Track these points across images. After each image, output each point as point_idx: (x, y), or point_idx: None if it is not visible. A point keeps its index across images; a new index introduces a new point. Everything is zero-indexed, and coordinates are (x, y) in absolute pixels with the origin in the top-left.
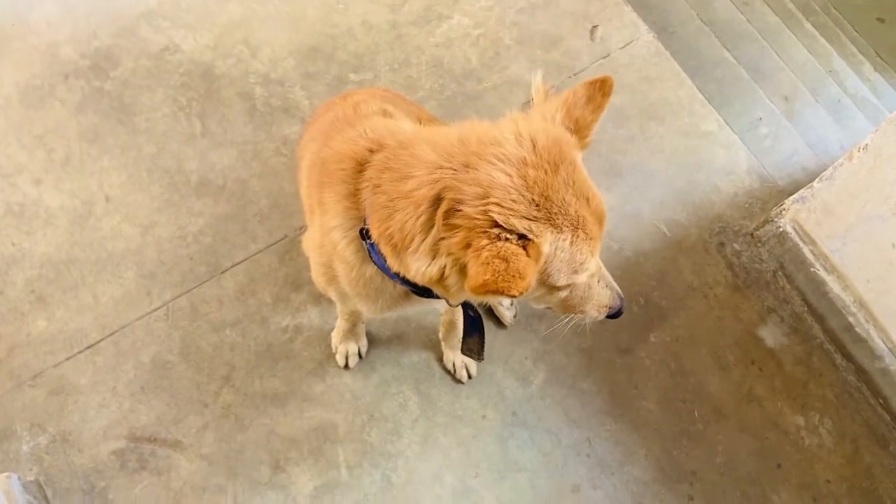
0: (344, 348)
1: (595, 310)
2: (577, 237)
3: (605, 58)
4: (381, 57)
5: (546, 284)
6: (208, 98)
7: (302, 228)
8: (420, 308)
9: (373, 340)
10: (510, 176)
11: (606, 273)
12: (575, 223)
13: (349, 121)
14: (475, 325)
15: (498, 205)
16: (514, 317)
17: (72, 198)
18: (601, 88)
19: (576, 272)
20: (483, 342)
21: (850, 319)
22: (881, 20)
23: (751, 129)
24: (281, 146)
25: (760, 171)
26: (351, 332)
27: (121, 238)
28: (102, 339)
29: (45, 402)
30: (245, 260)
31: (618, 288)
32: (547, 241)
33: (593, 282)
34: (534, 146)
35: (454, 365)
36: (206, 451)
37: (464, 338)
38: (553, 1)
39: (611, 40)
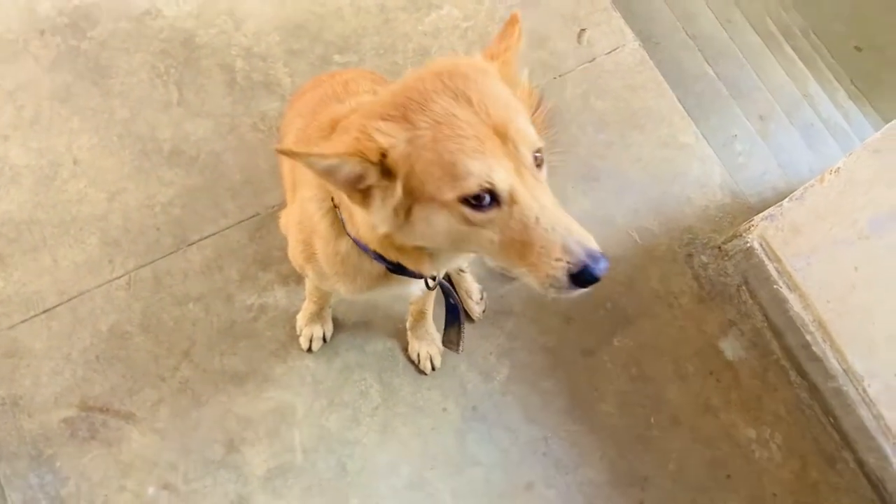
0: (309, 331)
1: (546, 263)
2: (449, 133)
3: (590, 61)
4: (368, 41)
5: (433, 199)
6: (187, 67)
7: (275, 207)
8: (398, 290)
9: (338, 325)
10: (392, 93)
11: (565, 218)
12: (440, 120)
13: (338, 97)
14: (455, 314)
15: (361, 113)
16: (483, 311)
17: (38, 157)
18: (512, 21)
19: (456, 178)
20: (462, 334)
21: (808, 338)
22: (858, 49)
23: (726, 145)
24: (259, 122)
25: (732, 187)
26: (317, 316)
27: (86, 202)
28: (60, 304)
29: None
30: (213, 234)
31: (585, 238)
32: (381, 129)
33: (524, 215)
34: (431, 69)
35: (419, 355)
36: (159, 426)
37: (445, 328)
38: (544, 0)
39: (597, 45)
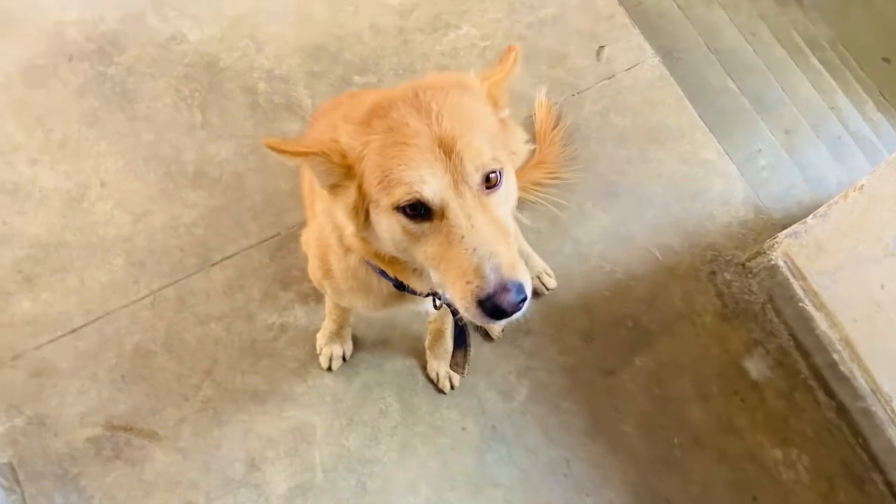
0: (328, 350)
1: (458, 285)
2: (394, 140)
3: (609, 78)
4: (387, 61)
5: (378, 203)
6: (211, 90)
7: (295, 227)
8: (412, 308)
9: (358, 344)
10: (371, 99)
11: (495, 243)
12: (392, 126)
13: None
14: (462, 337)
15: (343, 117)
16: (502, 331)
17: (66, 180)
18: (509, 51)
19: (389, 185)
20: (468, 357)
21: (835, 357)
22: (887, 60)
23: (749, 161)
24: (276, 154)
25: (756, 203)
26: (337, 335)
27: (112, 224)
28: (86, 324)
29: (23, 383)
30: (235, 254)
31: (508, 268)
32: (345, 132)
33: (451, 231)
34: (418, 81)
35: (438, 374)
36: (182, 445)
37: (453, 351)
38: (562, 18)
39: (616, 61)
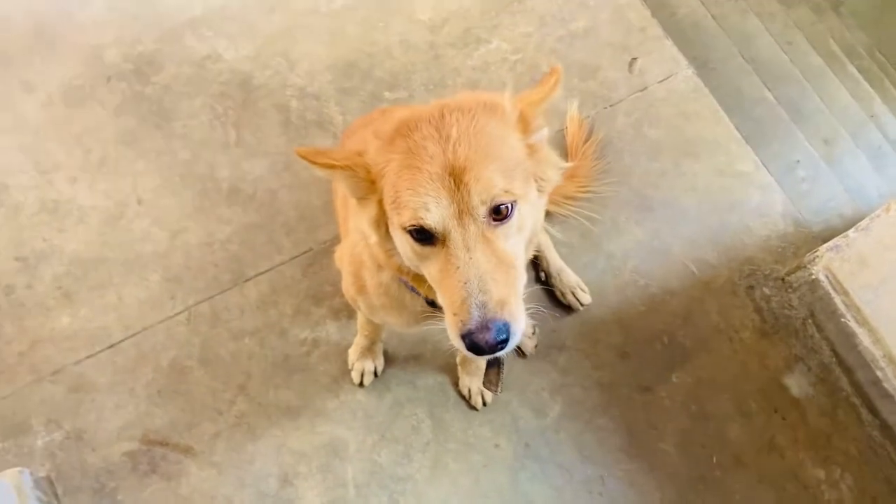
0: (360, 365)
1: (448, 314)
2: (410, 163)
3: (642, 90)
4: (418, 76)
5: (388, 214)
6: (245, 108)
7: (327, 242)
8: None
9: (389, 360)
10: (401, 116)
11: (488, 279)
12: (412, 149)
13: None
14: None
15: (373, 132)
16: (536, 346)
17: (105, 198)
18: (552, 73)
19: (398, 207)
20: (501, 375)
21: (879, 374)
22: None
23: (788, 172)
24: (308, 165)
25: (795, 215)
26: (368, 350)
27: (149, 241)
28: (124, 340)
29: (63, 398)
30: (269, 270)
31: (494, 306)
32: (372, 147)
33: (448, 260)
34: (448, 100)
35: (470, 391)
36: (216, 459)
37: (486, 368)
38: (593, 31)
39: (649, 73)
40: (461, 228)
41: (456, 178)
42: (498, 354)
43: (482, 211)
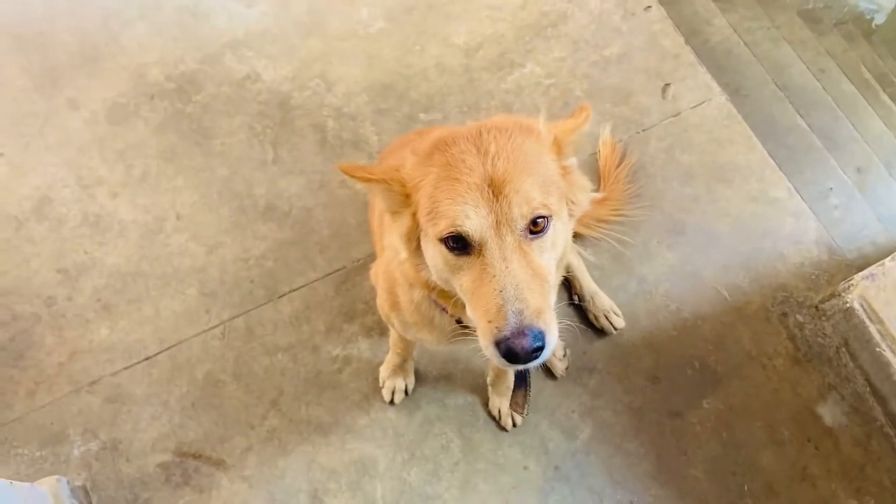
0: (391, 383)
1: (482, 322)
2: (448, 175)
3: (675, 116)
4: (452, 99)
5: (427, 232)
6: (283, 127)
7: (360, 260)
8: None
9: (420, 378)
10: (438, 134)
11: (525, 288)
12: (450, 162)
13: None
14: (522, 377)
15: (411, 149)
16: (566, 369)
17: (145, 213)
18: (582, 109)
19: (435, 217)
20: (528, 398)
21: None
22: None
23: (821, 199)
24: (347, 178)
25: (829, 243)
26: (400, 368)
27: (187, 255)
28: (160, 352)
29: (99, 408)
30: (303, 287)
31: (532, 313)
32: (408, 162)
33: (485, 269)
34: (485, 121)
35: (500, 412)
36: (247, 473)
37: (513, 390)
38: (626, 57)
39: (682, 99)
40: (498, 239)
41: (495, 190)
42: (531, 365)
43: (521, 224)
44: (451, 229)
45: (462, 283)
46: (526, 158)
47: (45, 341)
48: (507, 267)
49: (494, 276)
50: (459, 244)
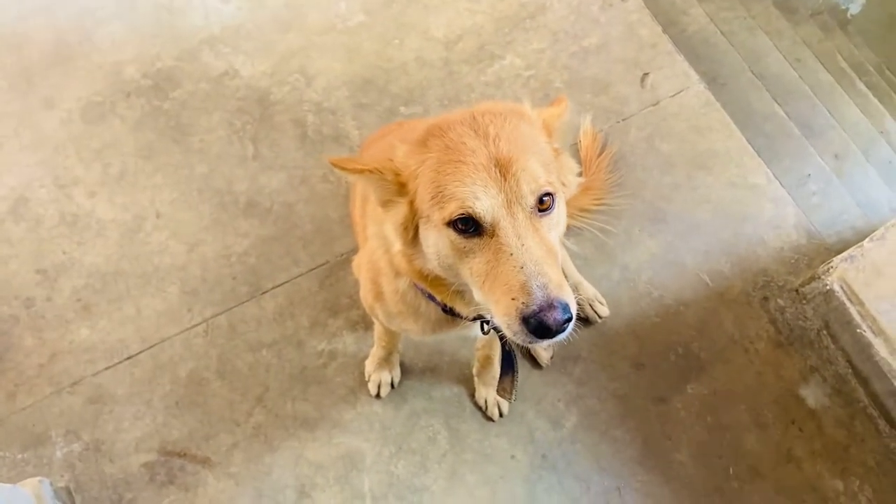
0: (377, 377)
1: (503, 301)
2: (450, 158)
3: (654, 105)
4: (432, 92)
5: (429, 218)
6: (262, 123)
7: (344, 255)
8: (460, 333)
9: (406, 371)
10: (429, 122)
11: (543, 263)
12: (449, 145)
13: None
14: (510, 363)
15: (400, 138)
16: (551, 358)
17: (124, 211)
18: (560, 100)
19: (441, 200)
20: (515, 383)
21: None
22: None
23: (799, 185)
24: (328, 173)
25: (808, 228)
26: (385, 361)
27: (167, 253)
28: (142, 352)
29: (81, 409)
30: (286, 282)
31: (555, 286)
32: (401, 151)
33: (500, 248)
34: (474, 107)
35: (486, 402)
36: (234, 471)
37: (500, 376)
38: (605, 47)
39: (661, 88)
40: (511, 217)
41: (502, 170)
42: (559, 338)
43: (531, 200)
44: (462, 211)
45: (473, 267)
46: (525, 139)
47: (25, 343)
48: (523, 244)
49: (512, 254)
50: (469, 227)
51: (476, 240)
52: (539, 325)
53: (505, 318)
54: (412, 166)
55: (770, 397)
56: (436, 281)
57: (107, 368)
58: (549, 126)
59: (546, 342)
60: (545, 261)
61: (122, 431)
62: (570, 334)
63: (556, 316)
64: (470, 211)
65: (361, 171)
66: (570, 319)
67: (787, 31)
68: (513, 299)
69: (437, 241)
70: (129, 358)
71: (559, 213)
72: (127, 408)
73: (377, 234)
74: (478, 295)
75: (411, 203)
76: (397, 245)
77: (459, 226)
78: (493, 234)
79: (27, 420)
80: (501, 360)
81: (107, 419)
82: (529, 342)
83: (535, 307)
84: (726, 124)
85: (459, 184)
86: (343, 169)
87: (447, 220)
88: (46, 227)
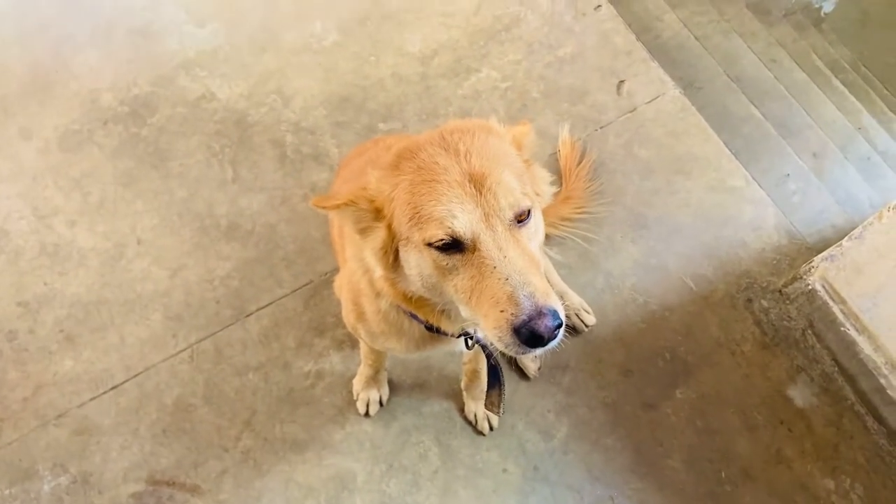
0: (365, 395)
1: (492, 314)
2: (424, 178)
3: (631, 112)
4: (410, 107)
5: (409, 240)
6: (241, 145)
7: (327, 274)
8: (445, 349)
9: (394, 388)
10: (398, 146)
11: (527, 273)
12: (422, 166)
13: None
14: (495, 376)
15: (371, 164)
16: (539, 369)
17: (104, 240)
18: (524, 124)
19: (420, 221)
20: (502, 396)
21: (882, 381)
22: None
23: (779, 186)
24: (309, 192)
25: (788, 228)
26: (373, 379)
27: (150, 280)
28: (127, 381)
29: (67, 441)
30: (270, 304)
31: (541, 294)
32: (374, 177)
33: (483, 262)
34: (441, 127)
35: (476, 416)
36: (223, 497)
37: (487, 391)
38: (580, 56)
39: (637, 95)
40: (490, 231)
41: (476, 185)
42: (551, 346)
43: (509, 213)
44: (441, 231)
45: (457, 284)
46: (496, 153)
47: (8, 376)
48: (506, 256)
49: (495, 266)
50: (449, 244)
51: (458, 256)
52: (531, 334)
53: (495, 331)
54: (386, 191)
55: (758, 399)
56: (420, 302)
57: (92, 399)
58: (518, 140)
59: (538, 350)
60: (529, 270)
61: (109, 462)
62: (559, 343)
63: (546, 323)
64: (449, 230)
65: (339, 206)
66: (560, 325)
67: (761, 33)
68: (501, 311)
69: (418, 262)
70: (114, 388)
71: (537, 223)
72: (114, 438)
73: (356, 256)
74: (465, 311)
75: (389, 227)
76: (378, 271)
77: (439, 244)
78: (474, 249)
79: (13, 455)
80: (487, 374)
81: (94, 450)
82: (522, 352)
83: (524, 317)
84: (703, 128)
85: (436, 203)
86: (323, 208)
87: (427, 241)
88: (27, 258)
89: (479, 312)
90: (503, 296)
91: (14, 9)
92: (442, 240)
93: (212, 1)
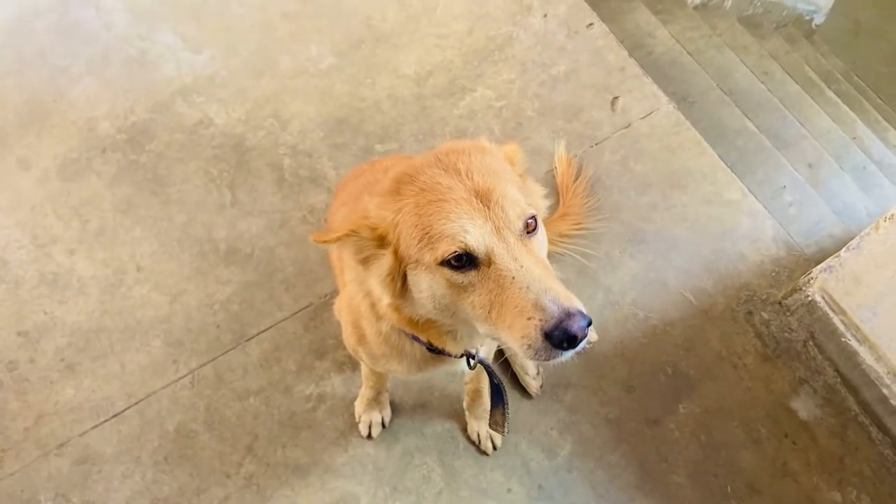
0: (367, 417)
1: (518, 324)
2: (430, 199)
3: (626, 128)
4: (407, 128)
5: (418, 262)
6: (239, 169)
7: (327, 296)
8: (446, 370)
9: (396, 409)
10: (395, 171)
11: (546, 279)
12: (424, 188)
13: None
14: (499, 395)
15: (370, 192)
16: (541, 386)
17: (104, 267)
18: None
19: (431, 240)
20: (506, 415)
21: (885, 391)
22: None
23: (775, 197)
24: (308, 214)
25: (786, 239)
26: (375, 401)
27: (150, 306)
28: (128, 408)
29: (69, 471)
30: (270, 327)
31: (564, 297)
32: (375, 204)
33: (501, 274)
34: (435, 149)
35: (479, 436)
36: None
37: (491, 410)
38: (574, 74)
39: (632, 111)
40: (503, 243)
41: (483, 200)
42: (580, 347)
43: (518, 225)
44: (455, 247)
45: (474, 301)
46: (495, 170)
47: (10, 407)
48: (522, 265)
49: (514, 277)
50: (463, 262)
51: (473, 273)
52: (565, 334)
53: (524, 340)
54: (389, 217)
55: (762, 412)
56: (427, 325)
57: (93, 427)
58: (510, 157)
59: (569, 353)
60: (547, 276)
61: (111, 491)
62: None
63: (579, 323)
64: (462, 246)
65: (341, 238)
66: (590, 323)
67: (753, 46)
68: (528, 319)
69: (430, 284)
70: (115, 416)
71: (543, 234)
72: (116, 466)
73: (356, 279)
74: (483, 328)
75: (395, 252)
76: (386, 299)
77: (453, 262)
78: (489, 264)
79: (15, 486)
80: (491, 393)
81: (96, 479)
82: (552, 357)
83: (555, 320)
84: (698, 142)
85: (446, 221)
86: (325, 242)
87: (440, 259)
88: (26, 288)
89: (501, 325)
90: (528, 304)
91: (10, 39)
92: (455, 252)
93: (208, 27)
